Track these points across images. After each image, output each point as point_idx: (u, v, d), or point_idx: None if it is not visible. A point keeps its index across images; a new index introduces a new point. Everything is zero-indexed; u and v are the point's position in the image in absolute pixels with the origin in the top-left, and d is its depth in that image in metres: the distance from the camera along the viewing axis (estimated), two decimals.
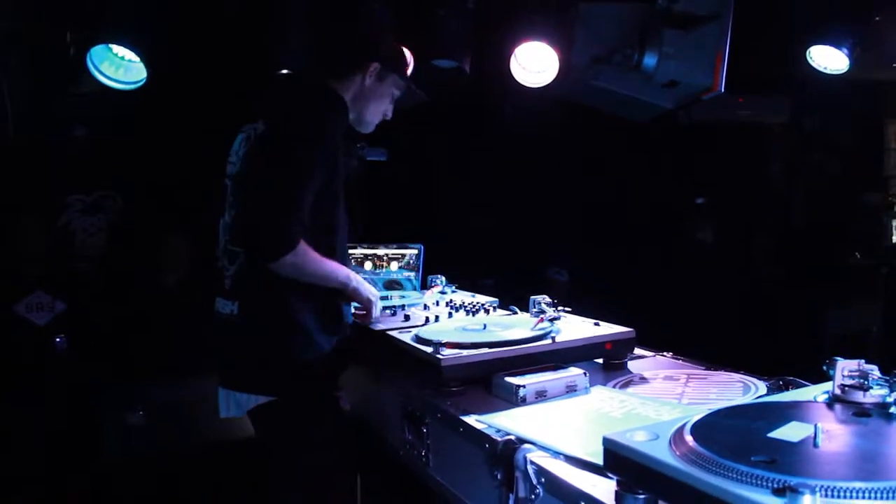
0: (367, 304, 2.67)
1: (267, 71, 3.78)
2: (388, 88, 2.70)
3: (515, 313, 2.87)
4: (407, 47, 3.99)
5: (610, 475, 1.43)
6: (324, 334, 2.49)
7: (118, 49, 3.72)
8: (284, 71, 3.80)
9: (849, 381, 1.54)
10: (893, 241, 6.63)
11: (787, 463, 1.19)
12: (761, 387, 2.08)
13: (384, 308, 2.96)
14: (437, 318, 2.86)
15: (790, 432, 1.34)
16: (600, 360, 2.50)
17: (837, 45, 3.75)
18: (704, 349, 2.66)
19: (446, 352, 2.24)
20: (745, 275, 6.40)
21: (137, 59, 3.67)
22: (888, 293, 6.22)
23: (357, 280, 2.60)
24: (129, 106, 4.34)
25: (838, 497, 1.08)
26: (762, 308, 5.97)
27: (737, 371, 2.28)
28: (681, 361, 2.57)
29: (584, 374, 2.19)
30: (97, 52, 3.72)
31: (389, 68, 2.67)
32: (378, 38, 2.84)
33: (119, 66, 3.79)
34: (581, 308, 2.81)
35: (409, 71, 2.89)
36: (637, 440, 1.36)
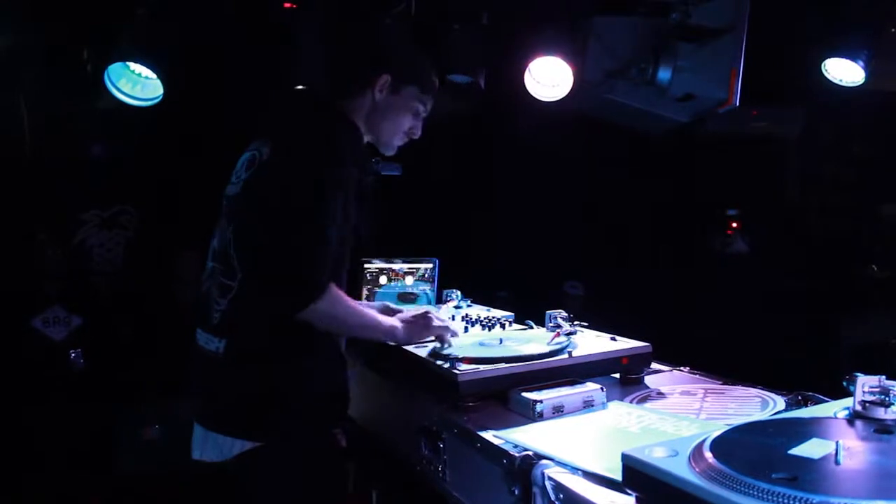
0: (433, 335, 2.49)
1: (281, 87, 3.79)
2: (408, 102, 2.49)
3: (532, 328, 2.86)
4: None
5: (628, 491, 1.42)
6: (323, 377, 2.33)
7: (135, 66, 3.75)
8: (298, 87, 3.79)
9: (869, 398, 1.52)
10: None
11: (809, 480, 1.18)
12: (779, 402, 2.07)
13: None
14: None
15: (811, 449, 1.33)
16: (617, 375, 2.49)
17: (853, 58, 3.74)
18: (722, 363, 2.65)
19: (463, 367, 2.23)
20: (761, 288, 6.36)
21: (154, 76, 3.70)
22: None
23: (404, 327, 2.46)
24: (145, 122, 4.38)
25: None
26: (779, 321, 5.93)
27: (754, 386, 2.26)
28: (698, 376, 2.55)
29: (602, 389, 2.18)
30: (115, 69, 3.76)
31: (405, 80, 2.47)
32: (389, 50, 2.61)
33: (136, 83, 3.83)
34: (597, 322, 2.79)
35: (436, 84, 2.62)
36: (656, 456, 1.36)
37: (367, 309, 2.41)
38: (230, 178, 2.43)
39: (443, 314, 3.27)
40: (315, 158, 2.21)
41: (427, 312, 2.57)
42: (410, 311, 2.64)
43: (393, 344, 2.68)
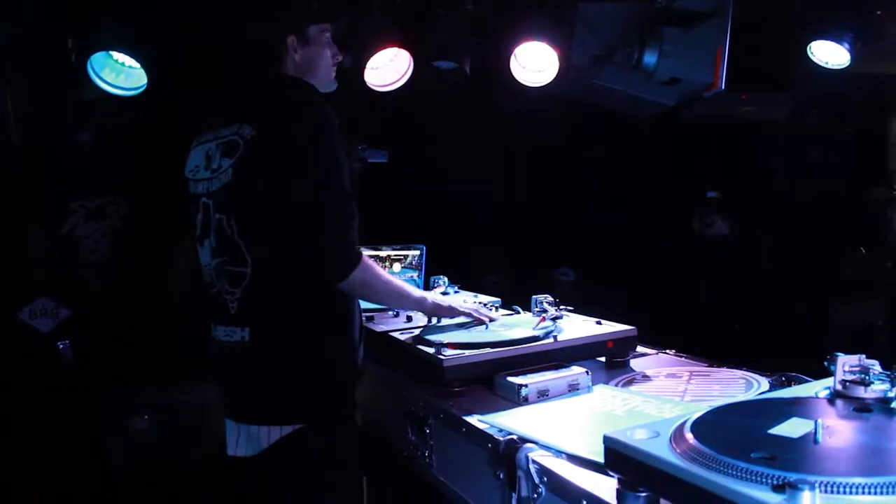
0: (459, 313, 2.59)
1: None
2: (318, 39, 2.43)
3: (518, 313, 2.87)
4: (407, 49, 4.01)
5: (611, 473, 1.42)
6: (355, 350, 2.31)
7: (118, 55, 3.73)
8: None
9: (850, 377, 1.53)
10: None
11: (787, 459, 1.19)
12: (764, 383, 2.08)
13: (385, 309, 2.96)
14: (438, 318, 2.86)
15: (791, 428, 1.33)
16: (603, 359, 2.50)
17: (838, 40, 3.75)
18: (710, 347, 2.66)
19: (448, 352, 2.24)
20: (749, 271, 6.37)
21: (137, 64, 3.68)
22: (894, 288, 6.20)
23: (432, 297, 2.53)
24: (131, 112, 4.35)
25: (838, 493, 1.08)
26: (767, 304, 5.95)
27: (740, 368, 2.27)
28: (683, 359, 2.56)
29: (587, 372, 2.19)
30: (97, 58, 3.74)
31: (303, 28, 2.40)
32: (277, 12, 2.46)
33: (120, 73, 3.81)
34: (587, 307, 2.80)
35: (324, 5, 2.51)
36: (637, 438, 1.36)
37: (396, 278, 2.44)
38: (191, 179, 2.35)
39: None
40: (314, 125, 2.17)
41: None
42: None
43: (379, 330, 2.69)
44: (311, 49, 2.42)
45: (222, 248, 2.24)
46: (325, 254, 2.15)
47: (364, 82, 3.97)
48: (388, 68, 4.07)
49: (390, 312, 3.01)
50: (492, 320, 2.60)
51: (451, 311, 2.58)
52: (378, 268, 2.28)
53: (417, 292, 2.50)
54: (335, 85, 2.52)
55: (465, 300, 3.15)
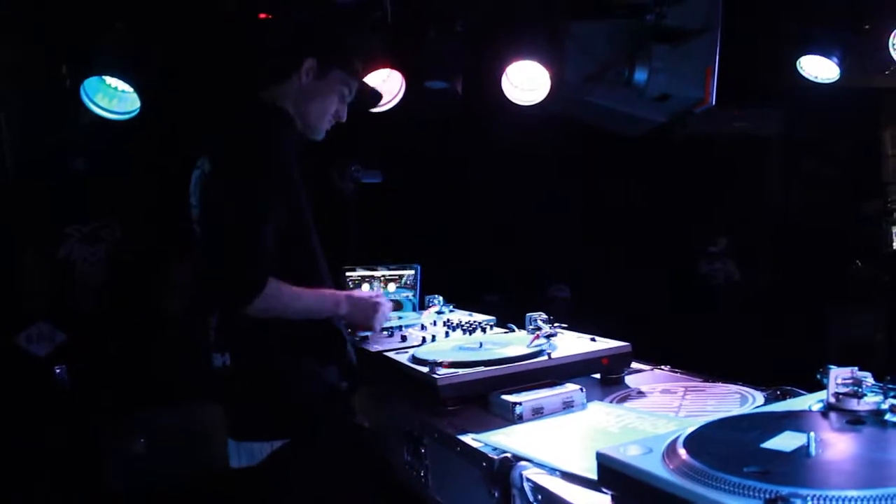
0: (368, 325, 2.53)
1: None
2: (334, 86, 2.46)
3: (513, 331, 2.87)
4: (399, 70, 4.02)
5: (605, 490, 1.42)
6: (329, 365, 2.36)
7: (112, 80, 3.74)
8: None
9: (843, 389, 1.53)
10: (894, 248, 6.60)
11: (780, 473, 1.18)
12: (759, 397, 2.07)
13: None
14: (433, 337, 2.86)
15: (784, 442, 1.33)
16: (597, 376, 2.49)
17: (827, 55, 3.77)
18: (706, 362, 2.65)
19: (442, 371, 2.23)
20: (745, 286, 6.38)
21: (130, 89, 3.69)
22: (891, 301, 6.20)
23: (349, 301, 2.42)
24: (125, 136, 4.36)
25: None
26: (764, 319, 5.95)
27: (735, 382, 2.27)
28: (679, 374, 2.56)
29: (581, 389, 2.18)
30: (91, 83, 3.75)
31: (330, 63, 2.43)
32: (313, 33, 2.51)
33: (113, 97, 3.82)
34: (583, 324, 2.79)
35: (362, 67, 2.61)
36: (630, 454, 1.36)
37: (310, 291, 2.34)
38: (189, 202, 2.42)
39: (424, 320, 3.28)
40: (244, 168, 2.22)
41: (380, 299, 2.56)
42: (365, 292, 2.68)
43: (374, 350, 2.69)
44: (321, 86, 2.44)
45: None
46: (224, 282, 2.17)
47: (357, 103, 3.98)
48: (381, 89, 4.08)
49: (384, 332, 3.00)
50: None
51: (359, 321, 2.54)
52: (288, 290, 2.23)
53: (332, 300, 2.38)
54: (321, 136, 2.52)
55: (459, 320, 3.15)
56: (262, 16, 3.70)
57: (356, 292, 2.63)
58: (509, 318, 3.04)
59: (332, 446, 2.34)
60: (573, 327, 2.74)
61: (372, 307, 2.50)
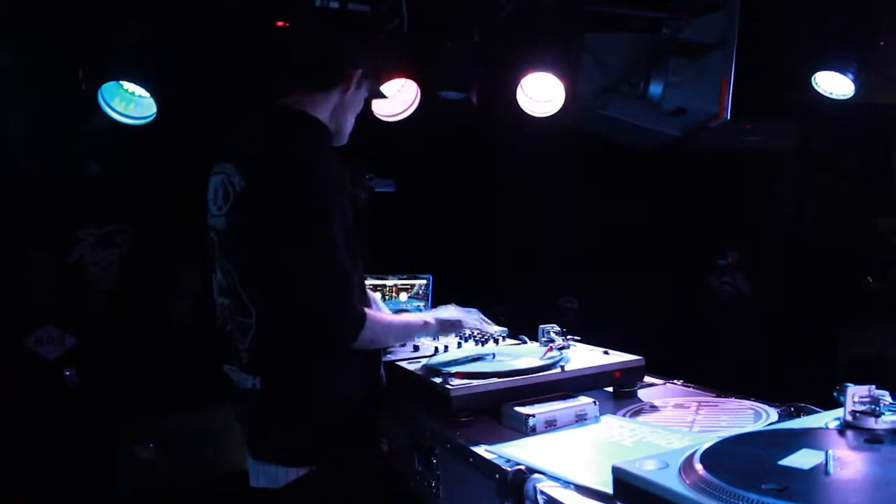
0: (463, 325, 2.56)
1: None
2: (363, 94, 2.45)
3: (525, 343, 2.87)
4: (414, 79, 4.04)
5: None
6: (362, 393, 2.29)
7: (128, 85, 3.76)
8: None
9: (860, 407, 1.52)
10: None
11: (799, 491, 1.18)
12: (773, 413, 2.07)
13: None
14: (446, 348, 2.86)
15: (801, 460, 1.33)
16: (610, 389, 2.49)
17: (842, 71, 3.76)
18: (718, 377, 2.65)
19: (455, 382, 2.24)
20: (757, 301, 6.35)
21: (147, 94, 3.71)
22: None
23: (433, 314, 2.48)
24: (140, 140, 4.38)
25: None
26: (775, 335, 5.93)
27: (748, 398, 2.26)
28: (691, 389, 2.55)
29: (594, 402, 2.18)
30: (108, 88, 3.77)
31: (368, 74, 2.42)
32: (360, 45, 2.51)
33: (129, 102, 3.83)
34: (593, 336, 2.79)
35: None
36: (646, 469, 1.36)
37: (399, 317, 2.42)
38: (208, 205, 2.32)
39: None
40: (299, 185, 2.11)
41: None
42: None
43: (387, 360, 2.69)
44: (358, 96, 2.42)
45: (226, 291, 2.26)
46: (327, 322, 2.10)
47: (371, 112, 3.99)
48: (396, 98, 4.09)
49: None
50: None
51: (456, 326, 2.56)
52: (382, 318, 2.26)
53: (418, 318, 2.45)
54: (345, 140, 2.47)
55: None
56: (279, 24, 3.72)
57: (440, 311, 2.57)
58: (519, 329, 3.04)
59: (357, 477, 2.28)
60: (582, 339, 2.74)
61: (458, 324, 2.56)
